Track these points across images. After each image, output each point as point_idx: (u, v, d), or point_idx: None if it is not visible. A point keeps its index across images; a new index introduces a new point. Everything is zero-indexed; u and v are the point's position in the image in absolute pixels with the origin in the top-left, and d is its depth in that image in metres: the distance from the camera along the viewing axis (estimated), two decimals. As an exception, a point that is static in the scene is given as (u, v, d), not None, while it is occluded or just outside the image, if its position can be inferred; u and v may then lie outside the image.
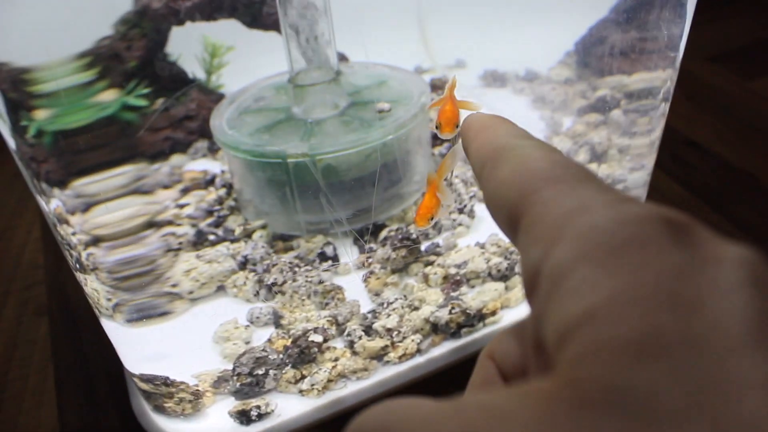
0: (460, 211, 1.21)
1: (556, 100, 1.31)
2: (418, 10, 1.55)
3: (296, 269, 1.10)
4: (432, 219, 0.96)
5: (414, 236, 1.15)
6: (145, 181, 1.35)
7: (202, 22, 1.34)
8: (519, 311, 1.07)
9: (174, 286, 1.12)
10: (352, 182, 1.15)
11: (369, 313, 1.05)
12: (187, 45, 1.40)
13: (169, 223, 1.25)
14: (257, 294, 1.10)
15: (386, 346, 0.99)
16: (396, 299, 1.06)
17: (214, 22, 1.37)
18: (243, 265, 1.14)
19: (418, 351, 1.01)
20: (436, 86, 1.53)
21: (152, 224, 1.25)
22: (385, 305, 1.05)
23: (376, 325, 1.02)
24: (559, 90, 1.34)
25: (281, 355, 0.98)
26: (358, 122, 1.16)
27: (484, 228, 1.20)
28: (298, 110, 1.19)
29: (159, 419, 0.99)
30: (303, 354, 0.98)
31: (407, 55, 1.57)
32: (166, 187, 1.33)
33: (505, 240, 1.17)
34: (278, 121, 1.18)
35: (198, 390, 0.97)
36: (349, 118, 1.18)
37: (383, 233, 1.14)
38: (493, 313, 1.05)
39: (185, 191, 1.31)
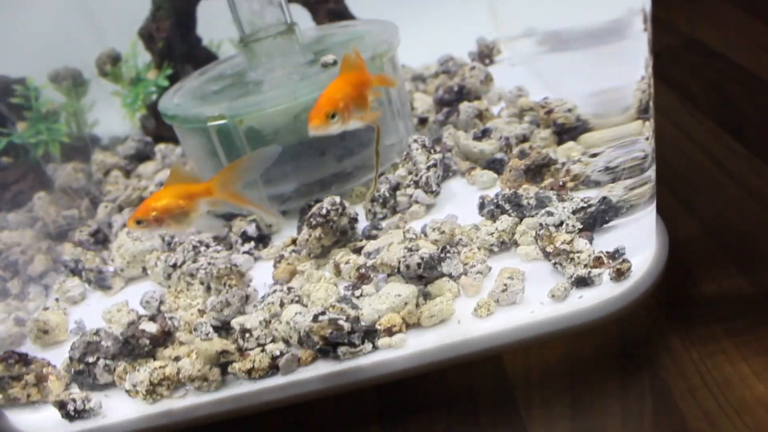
0: (416, 184, 0.85)
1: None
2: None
3: (200, 249, 0.86)
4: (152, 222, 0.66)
5: (352, 214, 0.83)
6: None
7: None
8: (433, 336, 0.69)
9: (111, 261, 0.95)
10: (294, 149, 0.87)
11: (257, 304, 0.77)
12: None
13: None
14: (169, 276, 0.87)
15: (225, 351, 0.70)
16: (275, 290, 0.75)
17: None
18: (170, 245, 0.92)
19: (276, 368, 0.70)
20: (484, 54, 1.16)
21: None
22: (262, 298, 0.76)
23: (235, 322, 0.73)
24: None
25: (119, 344, 0.74)
26: (299, 78, 0.88)
27: (452, 209, 0.84)
28: (254, 73, 0.94)
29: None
30: (128, 344, 0.73)
31: (474, 25, 1.22)
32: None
33: (460, 225, 0.79)
34: (229, 85, 0.95)
35: (42, 373, 0.77)
36: (296, 75, 0.90)
37: (313, 210, 0.83)
38: (390, 331, 0.69)
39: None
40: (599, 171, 0.80)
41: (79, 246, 0.98)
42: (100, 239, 0.99)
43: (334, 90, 0.65)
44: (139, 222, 0.67)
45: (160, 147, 1.17)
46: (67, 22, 1.22)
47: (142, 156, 1.18)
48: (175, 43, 1.19)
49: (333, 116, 0.63)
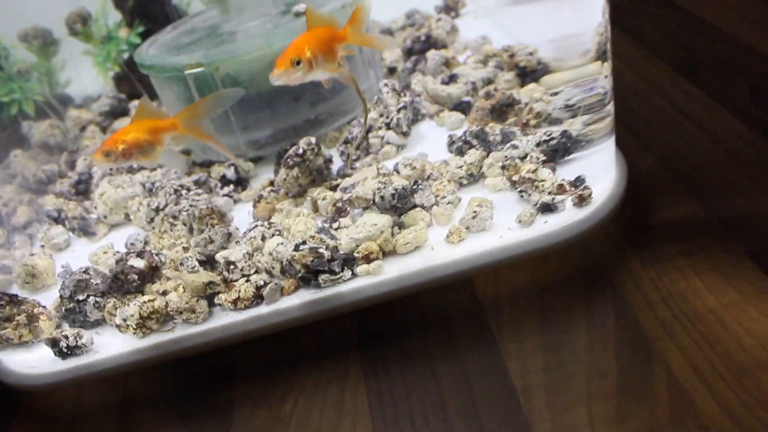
0: (388, 126, 0.89)
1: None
2: None
3: (182, 193, 0.88)
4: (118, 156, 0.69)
5: (328, 156, 0.87)
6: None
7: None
8: (408, 262, 0.73)
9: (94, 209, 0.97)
10: (269, 96, 0.90)
11: (240, 240, 0.80)
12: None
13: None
14: (152, 220, 0.90)
15: (212, 282, 0.73)
16: (256, 225, 0.79)
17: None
18: (151, 191, 0.94)
19: (260, 297, 0.73)
20: (449, 7, 1.20)
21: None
22: (244, 233, 0.79)
23: (219, 256, 0.76)
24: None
25: (108, 281, 0.77)
26: (272, 28, 0.91)
27: (422, 149, 0.87)
28: (228, 25, 0.96)
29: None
30: (117, 280, 0.76)
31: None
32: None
33: (430, 162, 0.83)
34: (202, 36, 0.97)
35: (33, 313, 0.80)
36: (270, 25, 0.93)
37: (289, 151, 0.86)
38: (368, 259, 0.73)
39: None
40: (560, 109, 0.85)
41: (60, 197, 1.00)
42: (82, 190, 1.01)
43: (302, 39, 0.65)
44: (107, 154, 0.69)
45: (135, 103, 1.19)
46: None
47: (116, 112, 1.19)
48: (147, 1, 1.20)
49: (298, 63, 0.64)
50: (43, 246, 0.94)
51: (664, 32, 1.19)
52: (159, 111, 0.70)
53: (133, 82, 1.23)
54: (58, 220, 0.96)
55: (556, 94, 0.85)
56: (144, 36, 1.20)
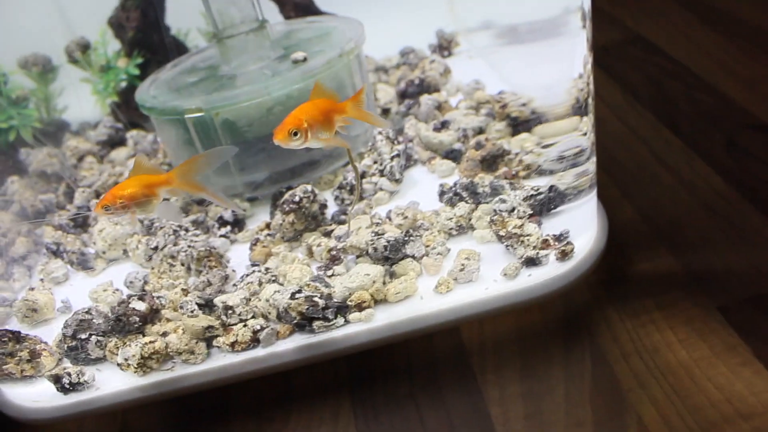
0: (381, 173, 0.94)
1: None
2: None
3: (180, 233, 0.93)
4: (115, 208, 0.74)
5: (322, 201, 0.91)
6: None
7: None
8: (398, 311, 0.78)
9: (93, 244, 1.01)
10: (265, 141, 0.95)
11: (237, 283, 0.84)
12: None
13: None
14: (150, 258, 0.94)
15: (211, 326, 0.78)
16: (254, 271, 0.83)
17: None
18: (149, 229, 0.98)
19: (257, 341, 0.78)
20: (443, 47, 1.24)
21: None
22: (242, 278, 0.84)
23: (218, 300, 0.80)
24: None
25: (110, 322, 0.81)
26: (271, 74, 0.95)
27: (414, 195, 0.92)
28: (227, 66, 1.01)
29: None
30: (120, 322, 0.80)
31: (435, 16, 1.30)
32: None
33: (422, 210, 0.88)
34: (203, 78, 1.01)
35: (35, 350, 0.84)
36: (268, 71, 0.97)
37: (286, 197, 0.91)
38: (360, 307, 0.78)
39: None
40: (551, 160, 0.90)
41: (59, 230, 1.04)
42: (80, 223, 1.04)
43: (301, 111, 0.71)
44: (106, 208, 0.74)
45: (132, 133, 1.22)
46: (36, 9, 1.26)
47: (114, 142, 1.23)
48: (147, 32, 1.24)
49: (295, 134, 0.69)
50: (42, 279, 0.97)
51: (647, 77, 1.24)
52: (154, 167, 0.75)
53: (127, 117, 1.27)
54: (56, 253, 1.00)
55: (548, 145, 0.90)
56: (143, 66, 1.24)
